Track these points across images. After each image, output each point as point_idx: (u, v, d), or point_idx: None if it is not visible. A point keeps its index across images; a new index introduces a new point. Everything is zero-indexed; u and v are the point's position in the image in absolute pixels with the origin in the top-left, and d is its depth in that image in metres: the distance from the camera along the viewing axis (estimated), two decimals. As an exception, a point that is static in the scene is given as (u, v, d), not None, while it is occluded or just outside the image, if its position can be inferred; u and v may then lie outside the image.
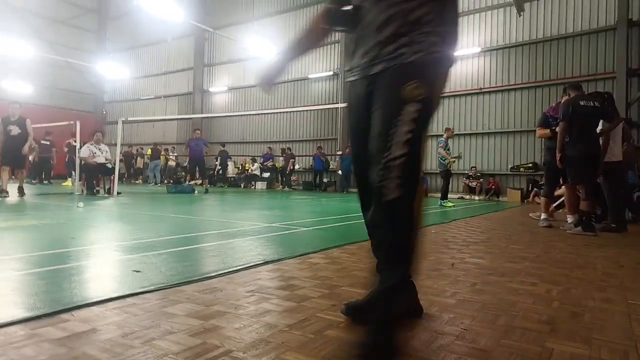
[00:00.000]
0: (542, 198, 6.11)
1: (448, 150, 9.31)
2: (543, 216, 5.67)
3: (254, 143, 19.15)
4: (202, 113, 19.61)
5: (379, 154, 1.44)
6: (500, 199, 12.94)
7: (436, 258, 3.08)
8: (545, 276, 2.57)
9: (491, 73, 13.51)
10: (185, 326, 1.58)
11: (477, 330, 1.60)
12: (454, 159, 9.41)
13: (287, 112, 17.37)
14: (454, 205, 8.94)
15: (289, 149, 16.61)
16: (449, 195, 9.62)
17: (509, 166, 13.19)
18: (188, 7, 17.83)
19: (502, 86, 13.27)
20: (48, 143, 15.09)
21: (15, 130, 7.94)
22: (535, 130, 7.11)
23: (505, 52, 13.30)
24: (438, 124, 14.29)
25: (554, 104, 6.27)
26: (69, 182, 14.16)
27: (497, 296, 2.09)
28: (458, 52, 13.68)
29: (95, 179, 9.87)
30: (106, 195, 9.62)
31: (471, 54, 13.75)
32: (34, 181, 14.67)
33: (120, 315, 1.67)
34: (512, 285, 2.32)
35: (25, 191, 8.45)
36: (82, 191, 9.81)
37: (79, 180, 10.31)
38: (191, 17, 17.11)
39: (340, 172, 15.38)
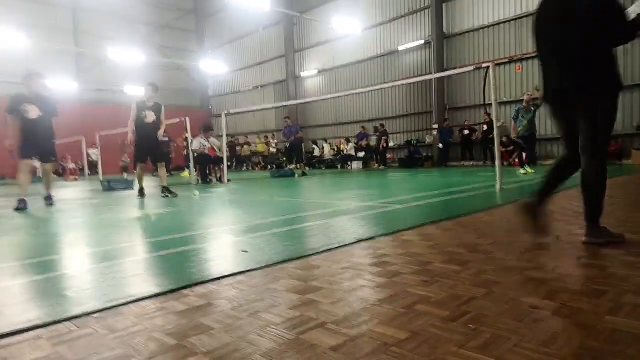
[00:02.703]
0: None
1: (521, 118, 8.76)
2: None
3: (347, 124, 19.31)
4: (296, 99, 20.27)
5: None
6: (624, 162, 11.34)
7: (540, 231, 2.88)
8: (674, 248, 2.27)
9: (611, 17, 11.72)
10: (285, 300, 1.75)
11: (578, 306, 1.51)
12: (516, 133, 8.85)
13: (377, 89, 17.11)
14: (525, 173, 8.49)
15: (382, 125, 16.41)
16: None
17: (634, 124, 11.45)
18: (275, -4, 18.40)
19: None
20: (166, 139, 17.10)
21: (150, 117, 6.79)
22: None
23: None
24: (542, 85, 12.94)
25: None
26: (186, 173, 15.81)
27: (607, 270, 1.92)
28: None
29: (208, 169, 10.96)
30: (218, 183, 10.60)
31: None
32: (155, 174, 16.76)
33: (231, 291, 1.91)
34: (628, 259, 2.09)
35: (150, 183, 8.88)
36: (198, 181, 10.93)
37: (195, 171, 11.47)
38: (278, 5, 17.65)
39: (440, 145, 14.85)
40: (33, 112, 5.85)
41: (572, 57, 2.40)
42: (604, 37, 2.33)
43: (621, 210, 3.60)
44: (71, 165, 18.73)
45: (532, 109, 8.78)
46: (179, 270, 2.31)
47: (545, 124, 12.28)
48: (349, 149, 17.63)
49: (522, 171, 8.73)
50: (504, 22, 13.75)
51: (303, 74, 21.02)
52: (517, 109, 8.99)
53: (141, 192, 6.97)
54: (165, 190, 6.88)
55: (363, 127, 17.67)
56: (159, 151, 7.14)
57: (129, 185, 9.71)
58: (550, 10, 2.52)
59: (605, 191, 2.42)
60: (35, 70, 6.36)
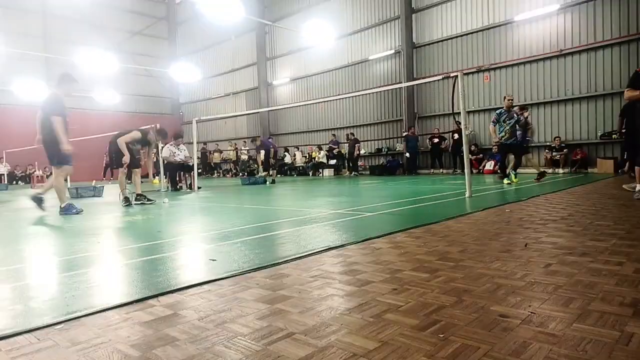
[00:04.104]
0: (637, 167, 5.50)
1: (503, 122, 8.31)
2: (638, 187, 5.11)
3: (319, 131, 19.37)
4: (267, 106, 20.21)
5: None
6: (590, 170, 11.84)
7: (508, 239, 2.94)
8: (635, 255, 2.34)
9: (573, 31, 12.23)
10: (253, 310, 1.69)
11: (547, 313, 1.52)
12: (498, 138, 8.42)
13: (348, 97, 17.26)
14: (509, 183, 8.12)
15: (352, 134, 16.57)
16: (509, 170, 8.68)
17: (599, 133, 11.98)
18: (247, 3, 18.32)
19: (586, 45, 11.97)
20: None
21: (138, 148, 7.29)
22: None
23: (590, 6, 11.91)
24: (510, 94, 13.43)
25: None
26: (156, 181, 15.43)
27: (574, 277, 1.96)
28: (531, 13, 12.61)
29: (177, 176, 10.72)
30: (188, 190, 10.38)
31: (547, 12, 12.55)
32: (129, 181, 16.32)
33: (198, 301, 1.84)
34: (594, 266, 2.15)
35: (115, 190, 8.74)
36: (167, 188, 10.67)
37: (164, 178, 11.20)
38: (251, 13, 17.62)
39: (407, 154, 15.03)
40: None
41: None
42: None
43: (586, 218, 3.72)
44: (38, 172, 17.97)
45: (515, 115, 8.27)
46: (146, 280, 2.22)
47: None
48: (320, 156, 17.67)
49: (506, 181, 8.28)
50: (472, 33, 14.18)
51: (275, 82, 20.99)
52: (497, 112, 8.55)
53: (127, 201, 6.74)
54: (142, 197, 6.96)
55: (334, 135, 17.76)
56: (135, 156, 7.13)
57: (97, 193, 9.43)
58: None
59: None
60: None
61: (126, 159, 6.74)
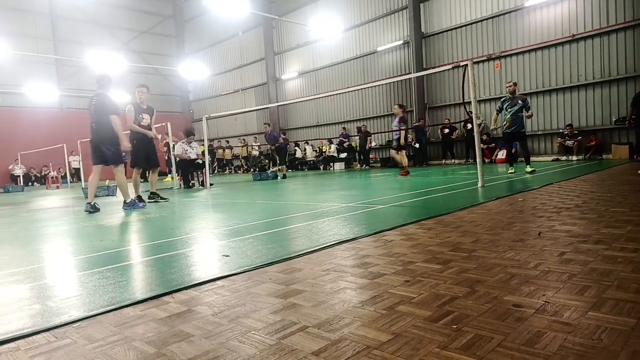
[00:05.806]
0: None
1: (505, 110, 7.99)
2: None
3: (329, 125, 19.31)
4: (277, 101, 20.19)
5: None
6: (604, 156, 11.62)
7: (521, 227, 2.91)
8: (651, 241, 2.31)
9: (585, 15, 11.96)
10: (267, 305, 1.71)
11: (561, 302, 1.51)
12: (495, 126, 8.36)
13: (358, 89, 17.14)
14: (513, 172, 7.92)
15: (364, 126, 16.49)
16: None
17: (613, 119, 11.73)
18: (254, -1, 18.27)
19: (599, 29, 11.70)
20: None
21: (146, 119, 6.54)
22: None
23: (603, -12, 11.61)
24: (522, 81, 13.23)
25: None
26: (169, 178, 15.57)
27: (589, 265, 1.93)
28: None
29: (190, 173, 10.82)
30: (200, 187, 10.47)
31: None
32: (141, 180, 16.53)
33: (212, 297, 1.86)
34: (609, 253, 2.12)
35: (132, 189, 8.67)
36: (180, 185, 10.78)
37: (177, 176, 11.31)
38: (257, 8, 17.58)
39: (417, 145, 14.91)
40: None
41: None
42: None
43: (600, 205, 3.66)
44: (52, 173, 18.29)
45: (520, 102, 7.83)
46: (160, 277, 2.25)
47: (531, 120, 12.43)
48: (331, 150, 17.64)
49: (510, 170, 8.10)
50: (482, 20, 13.96)
51: (283, 77, 20.96)
52: (501, 100, 8.21)
53: (140, 199, 6.34)
54: (155, 196, 6.92)
55: (344, 128, 17.70)
56: (155, 155, 6.84)
57: (110, 192, 9.53)
58: None
59: None
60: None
61: (125, 145, 5.92)
